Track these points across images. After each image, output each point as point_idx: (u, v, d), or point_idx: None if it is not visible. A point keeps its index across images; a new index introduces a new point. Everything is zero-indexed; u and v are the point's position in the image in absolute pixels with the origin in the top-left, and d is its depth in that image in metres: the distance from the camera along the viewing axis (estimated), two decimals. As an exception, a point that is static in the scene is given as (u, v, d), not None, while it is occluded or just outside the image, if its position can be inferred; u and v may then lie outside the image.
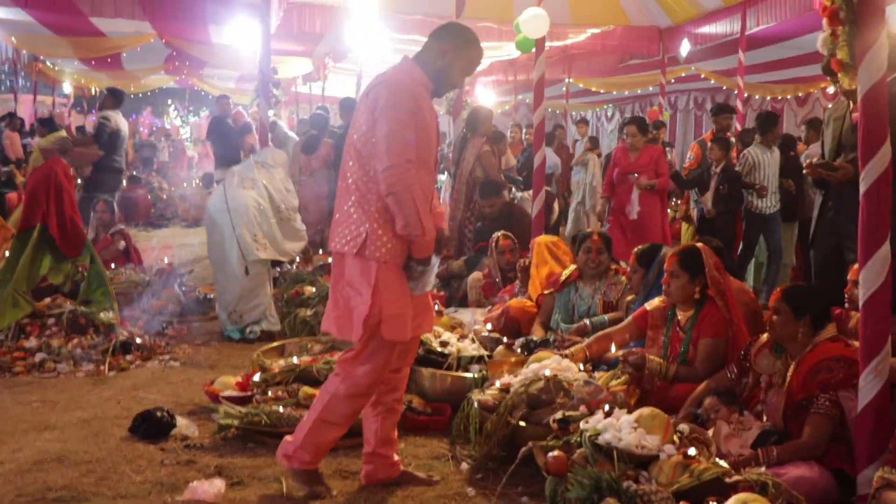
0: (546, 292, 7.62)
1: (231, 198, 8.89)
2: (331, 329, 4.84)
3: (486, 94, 21.33)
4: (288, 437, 4.92)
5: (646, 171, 11.07)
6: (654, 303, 6.20)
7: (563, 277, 7.56)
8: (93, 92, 30.95)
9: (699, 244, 6.09)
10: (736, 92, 14.43)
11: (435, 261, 4.87)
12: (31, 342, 7.78)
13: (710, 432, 5.00)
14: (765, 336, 5.33)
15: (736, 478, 4.26)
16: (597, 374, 5.85)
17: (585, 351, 6.25)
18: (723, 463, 4.45)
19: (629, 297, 7.07)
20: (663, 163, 11.25)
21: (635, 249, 7.04)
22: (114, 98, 14.06)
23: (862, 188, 4.35)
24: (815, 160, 6.55)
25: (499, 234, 8.95)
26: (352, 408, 4.82)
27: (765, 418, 5.11)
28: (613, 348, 6.18)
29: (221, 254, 8.87)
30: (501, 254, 8.84)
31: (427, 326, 5.08)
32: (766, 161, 10.74)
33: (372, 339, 4.69)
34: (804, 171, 6.80)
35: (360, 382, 4.76)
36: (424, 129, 4.66)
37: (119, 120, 13.64)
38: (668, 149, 14.43)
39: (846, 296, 5.67)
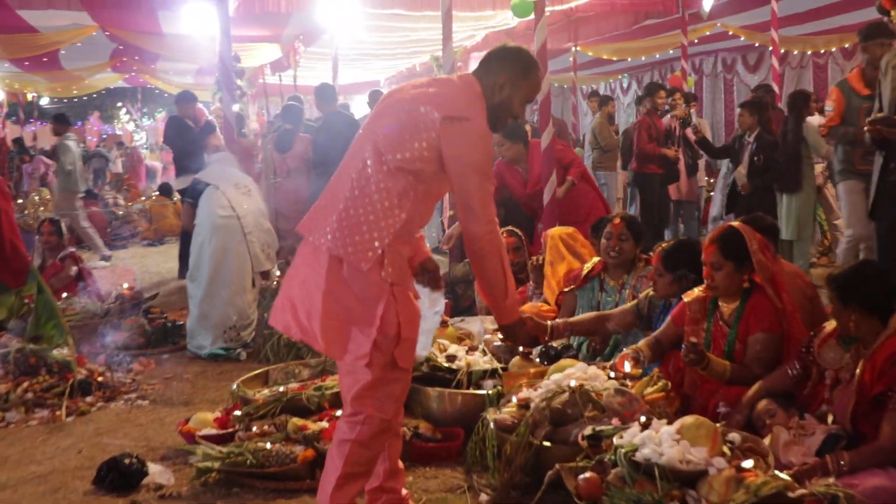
0: (566, 290, 7.58)
1: (237, 203, 9.36)
2: (313, 340, 4.66)
3: (482, 71, 21.28)
4: None
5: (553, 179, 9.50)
6: (694, 293, 6.12)
7: (584, 271, 7.52)
8: (28, 98, 30.97)
9: (737, 224, 6.01)
10: (770, 48, 14.39)
11: (437, 296, 4.98)
12: (-26, 389, 7.72)
13: (767, 440, 4.96)
14: (830, 325, 5.26)
15: (800, 492, 4.22)
16: (629, 382, 5.80)
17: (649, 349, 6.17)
18: (783, 475, 4.41)
19: (650, 292, 6.91)
20: (566, 154, 10.14)
21: (659, 249, 6.82)
22: None
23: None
24: (873, 115, 6.48)
25: (502, 230, 8.90)
26: (376, 448, 4.72)
27: (830, 420, 5.06)
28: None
29: (225, 264, 9.28)
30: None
31: None
32: None
33: (387, 366, 4.58)
34: (864, 129, 6.71)
35: (384, 416, 4.65)
36: None
37: None
38: (694, 119, 14.24)
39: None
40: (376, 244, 4.49)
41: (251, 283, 9.44)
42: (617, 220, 7.41)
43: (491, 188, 4.58)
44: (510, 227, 8.96)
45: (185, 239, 12.90)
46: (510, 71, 4.79)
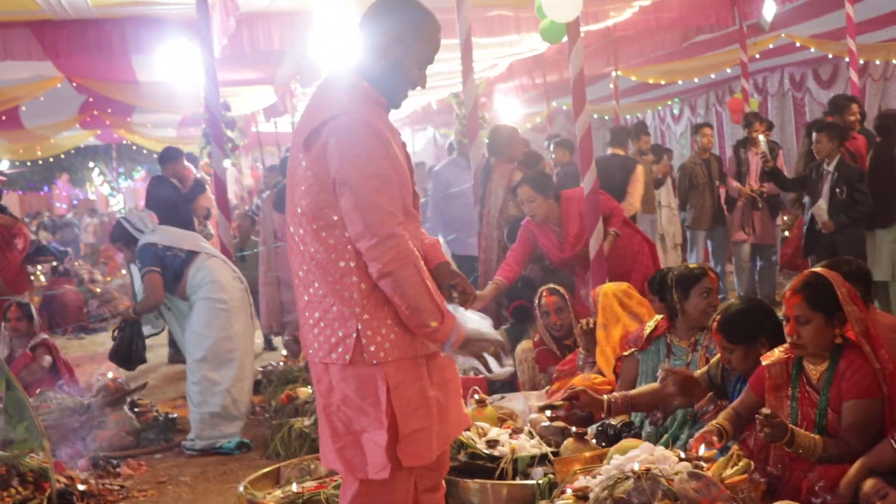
0: (626, 354, 7.51)
1: (238, 269, 9.68)
2: (336, 465, 4.63)
3: (508, 105, 21.35)
4: None
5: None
6: (774, 353, 6.04)
7: (647, 330, 7.45)
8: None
9: (821, 269, 5.94)
10: (848, 60, 14.34)
11: (464, 312, 4.72)
12: (-65, 510, 7.70)
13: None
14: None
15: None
16: (704, 464, 5.73)
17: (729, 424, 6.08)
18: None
19: None
20: (605, 202, 9.56)
21: (716, 324, 6.45)
22: None
23: None
24: None
25: (542, 289, 8.86)
26: None
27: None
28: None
29: (246, 340, 9.61)
30: (546, 315, 8.75)
31: (461, 425, 4.95)
32: None
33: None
34: None
35: None
36: (396, 169, 4.50)
37: None
38: (763, 146, 13.94)
39: None
40: (348, 324, 4.42)
41: None
42: (711, 274, 7.23)
43: (389, 207, 4.35)
44: (551, 285, 8.89)
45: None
46: (393, 25, 4.73)
